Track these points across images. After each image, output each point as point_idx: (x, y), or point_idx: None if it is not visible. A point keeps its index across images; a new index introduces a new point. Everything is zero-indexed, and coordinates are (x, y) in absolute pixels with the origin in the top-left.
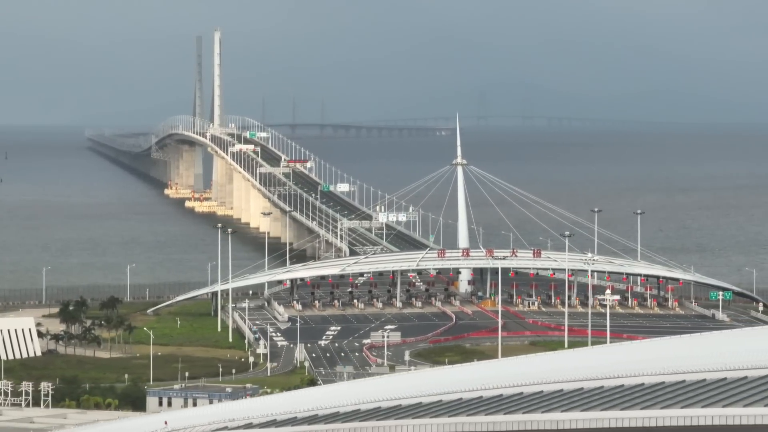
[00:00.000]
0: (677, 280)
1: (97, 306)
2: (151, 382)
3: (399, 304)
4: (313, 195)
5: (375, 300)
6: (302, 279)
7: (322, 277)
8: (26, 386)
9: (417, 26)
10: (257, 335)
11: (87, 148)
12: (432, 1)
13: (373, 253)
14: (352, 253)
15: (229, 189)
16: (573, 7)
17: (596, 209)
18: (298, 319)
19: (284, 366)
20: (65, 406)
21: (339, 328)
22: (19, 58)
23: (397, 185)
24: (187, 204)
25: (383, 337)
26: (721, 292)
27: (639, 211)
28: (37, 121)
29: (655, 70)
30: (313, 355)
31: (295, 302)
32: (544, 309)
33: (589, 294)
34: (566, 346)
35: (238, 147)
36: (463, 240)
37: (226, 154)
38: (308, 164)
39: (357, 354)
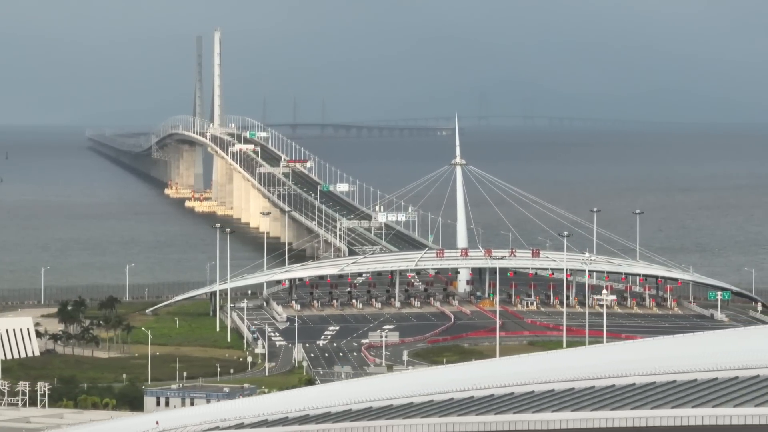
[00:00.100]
0: (676, 280)
1: (95, 306)
2: (149, 382)
3: (398, 304)
4: (313, 195)
5: (373, 300)
6: (301, 279)
7: (321, 277)
8: (23, 386)
9: (417, 26)
10: (255, 335)
11: (88, 148)
12: (432, 1)
13: (372, 253)
14: (351, 252)
15: (229, 189)
16: (573, 7)
17: (595, 209)
18: (296, 319)
19: (282, 366)
20: (63, 405)
21: (337, 328)
22: (19, 58)
23: (397, 185)
24: (187, 204)
25: (381, 337)
26: (719, 292)
27: (638, 211)
28: (37, 121)
29: (655, 70)
30: (312, 355)
31: (293, 302)
32: (542, 309)
33: (587, 294)
34: (564, 346)
35: (238, 147)
36: (461, 240)
37: (226, 154)
38: (308, 164)
39: (355, 354)
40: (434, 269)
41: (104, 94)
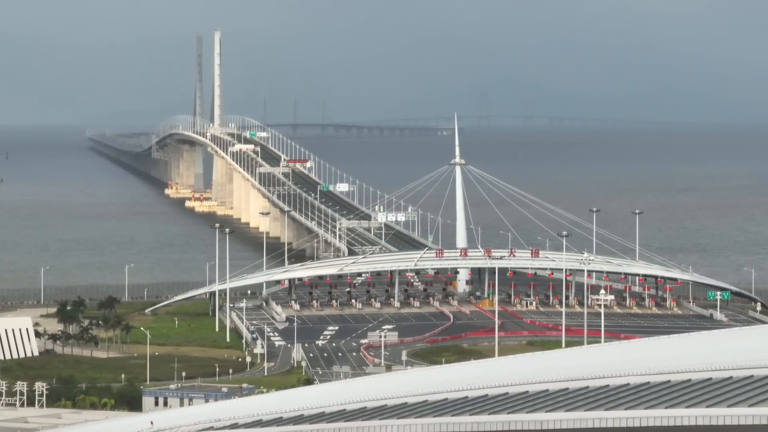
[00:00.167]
0: (675, 279)
1: (95, 306)
2: (148, 382)
3: (397, 304)
4: (313, 195)
5: (373, 300)
6: (300, 279)
7: (320, 277)
8: (21, 386)
9: (417, 26)
10: (255, 335)
11: (88, 147)
12: (432, 1)
13: (372, 253)
14: (351, 252)
15: (229, 189)
16: (573, 7)
17: (595, 209)
18: (295, 318)
19: (281, 366)
20: (61, 405)
21: (337, 328)
22: (19, 58)
23: (397, 185)
24: (188, 204)
25: (380, 337)
26: (719, 292)
27: (637, 211)
28: (37, 121)
29: (655, 70)
30: (311, 355)
31: (292, 302)
32: (541, 309)
33: (585, 294)
34: (563, 346)
35: (238, 147)
36: (461, 240)
37: (226, 154)
38: (308, 164)
39: (354, 354)
40: (434, 269)
41: (104, 94)
